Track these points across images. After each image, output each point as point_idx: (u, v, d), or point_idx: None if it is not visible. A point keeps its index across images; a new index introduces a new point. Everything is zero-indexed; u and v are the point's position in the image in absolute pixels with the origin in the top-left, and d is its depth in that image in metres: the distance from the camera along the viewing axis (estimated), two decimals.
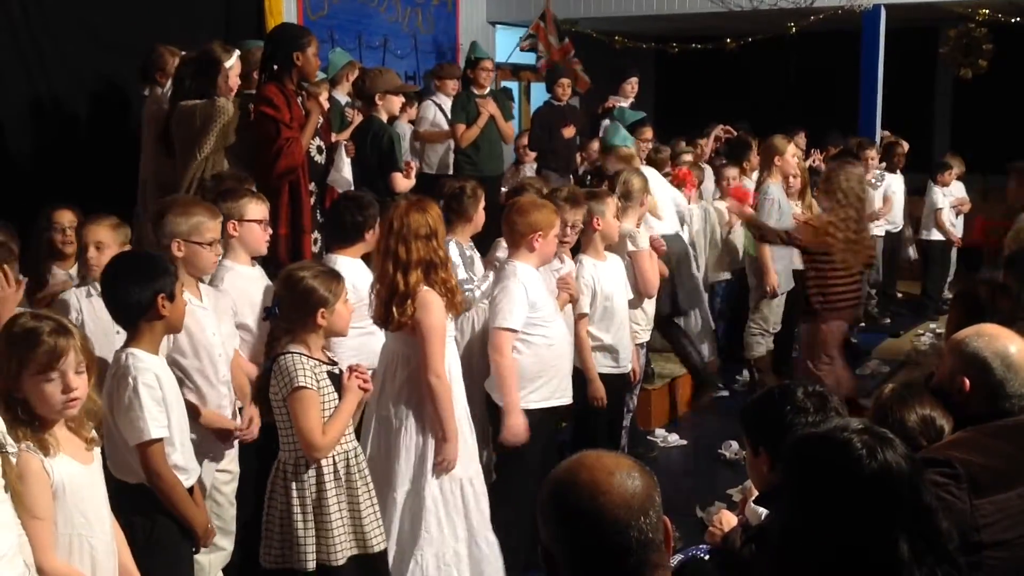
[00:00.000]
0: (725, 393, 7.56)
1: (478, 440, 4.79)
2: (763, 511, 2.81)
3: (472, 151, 8.03)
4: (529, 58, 11.44)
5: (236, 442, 4.16)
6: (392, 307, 3.96)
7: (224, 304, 4.20)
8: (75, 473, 2.86)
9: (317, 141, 5.68)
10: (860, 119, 11.20)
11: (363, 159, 6.41)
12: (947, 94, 14.47)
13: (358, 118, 6.96)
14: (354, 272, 4.59)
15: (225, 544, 4.25)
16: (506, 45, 12.15)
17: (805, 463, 2.19)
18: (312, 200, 5.51)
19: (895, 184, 10.07)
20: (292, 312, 3.65)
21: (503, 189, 7.60)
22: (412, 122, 8.69)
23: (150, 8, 7.54)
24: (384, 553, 3.81)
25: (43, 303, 3.90)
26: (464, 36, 11.61)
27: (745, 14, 11.30)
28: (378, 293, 4.03)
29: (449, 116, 8.24)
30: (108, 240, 4.16)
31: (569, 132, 8.36)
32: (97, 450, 3.01)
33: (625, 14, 11.87)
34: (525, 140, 8.84)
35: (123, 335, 3.50)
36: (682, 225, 7.13)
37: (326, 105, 6.88)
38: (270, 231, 4.62)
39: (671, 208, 6.85)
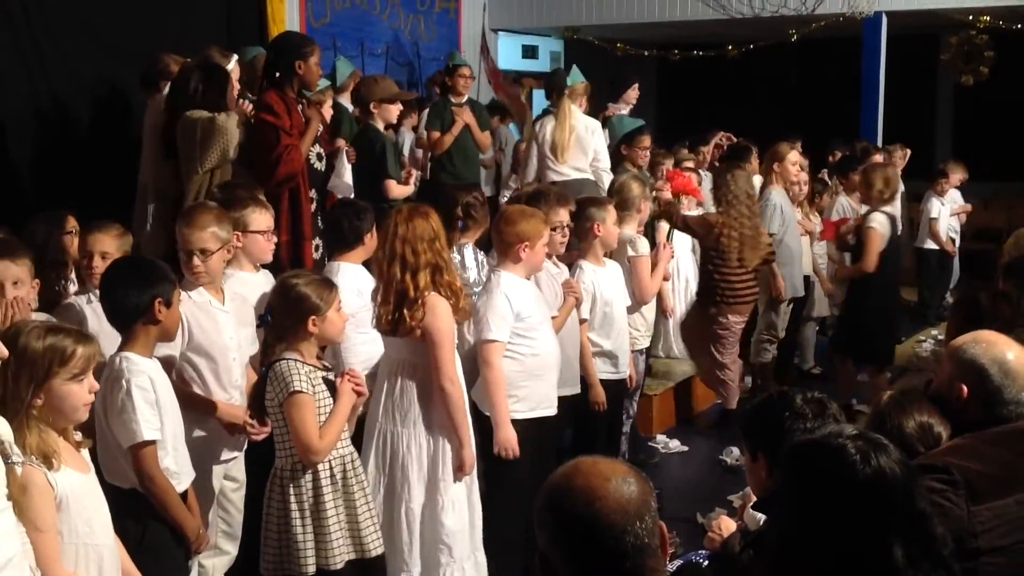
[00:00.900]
0: None
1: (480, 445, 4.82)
2: (761, 517, 2.81)
3: (447, 159, 8.05)
4: (530, 65, 11.46)
5: (242, 451, 4.17)
6: (402, 311, 3.92)
7: (246, 311, 4.21)
8: (77, 484, 2.89)
9: (317, 148, 5.71)
10: (861, 126, 11.22)
11: (361, 166, 6.43)
12: (948, 101, 14.48)
13: None
14: (358, 278, 4.60)
15: (229, 548, 4.27)
16: (507, 52, 12.18)
17: (800, 469, 2.20)
18: (313, 207, 5.54)
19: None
20: (284, 319, 3.66)
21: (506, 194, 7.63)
22: (415, 129, 8.71)
23: (151, 13, 7.57)
24: (382, 558, 3.79)
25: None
26: (466, 43, 11.64)
27: (747, 21, 11.32)
28: (384, 299, 3.99)
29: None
30: (113, 250, 4.15)
31: None
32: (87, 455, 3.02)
33: (627, 21, 11.89)
34: (524, 147, 8.85)
35: None
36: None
37: (328, 113, 6.91)
38: (275, 240, 4.62)
39: None
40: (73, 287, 4.50)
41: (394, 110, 6.66)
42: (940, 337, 8.56)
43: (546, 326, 4.62)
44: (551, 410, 4.67)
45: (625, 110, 8.61)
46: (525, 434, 4.44)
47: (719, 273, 6.58)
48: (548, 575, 2.02)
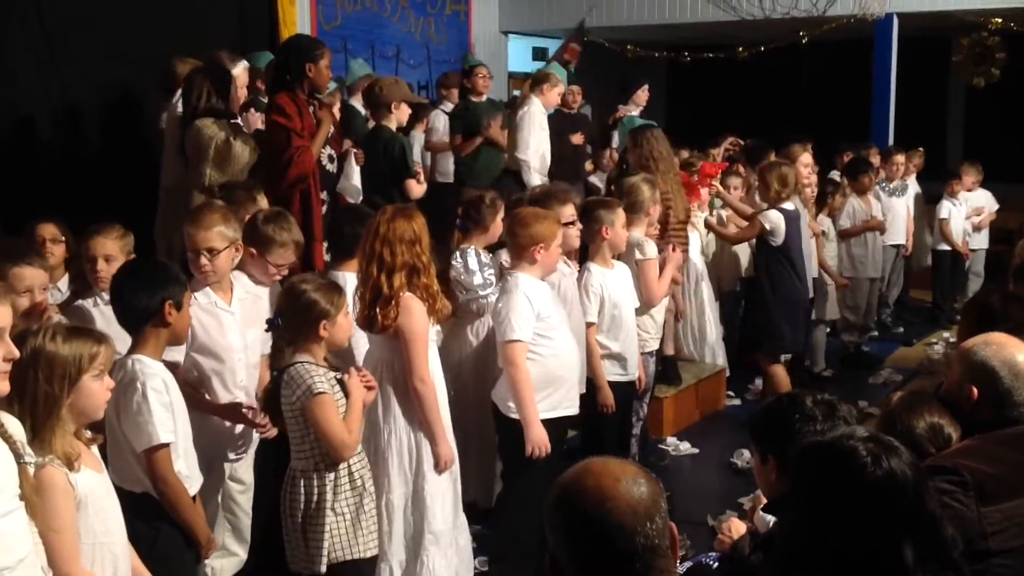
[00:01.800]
0: (737, 401, 7.57)
1: (488, 447, 4.83)
2: (771, 519, 2.82)
3: (470, 160, 8.08)
4: (541, 67, 11.45)
5: (249, 452, 4.19)
6: (376, 309, 4.00)
7: (256, 311, 4.23)
8: (95, 485, 2.92)
9: (328, 150, 5.72)
10: (872, 128, 11.20)
11: (374, 168, 6.43)
12: (960, 103, 14.45)
13: None
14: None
15: (237, 550, 4.29)
16: (518, 54, 12.20)
17: (811, 471, 2.21)
18: (324, 209, 5.55)
19: (912, 192, 10.03)
20: (294, 325, 3.70)
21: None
22: (426, 132, 8.74)
23: (163, 16, 7.62)
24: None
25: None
26: (477, 45, 11.66)
27: (757, 23, 11.32)
28: (361, 296, 4.07)
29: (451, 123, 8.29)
30: (116, 252, 4.19)
31: (578, 139, 8.37)
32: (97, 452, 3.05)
33: (637, 23, 11.90)
34: None
35: None
36: None
37: (338, 115, 6.93)
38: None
39: None
40: (59, 295, 4.50)
41: (406, 112, 6.69)
42: (952, 339, 8.54)
43: (564, 327, 4.66)
44: (572, 409, 4.73)
45: (635, 111, 8.64)
46: (548, 434, 4.49)
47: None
48: (558, 575, 2.03)
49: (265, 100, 6.40)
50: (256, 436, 4.20)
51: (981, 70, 12.11)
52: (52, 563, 2.70)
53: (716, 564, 3.19)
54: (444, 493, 4.25)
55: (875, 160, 9.45)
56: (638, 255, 5.65)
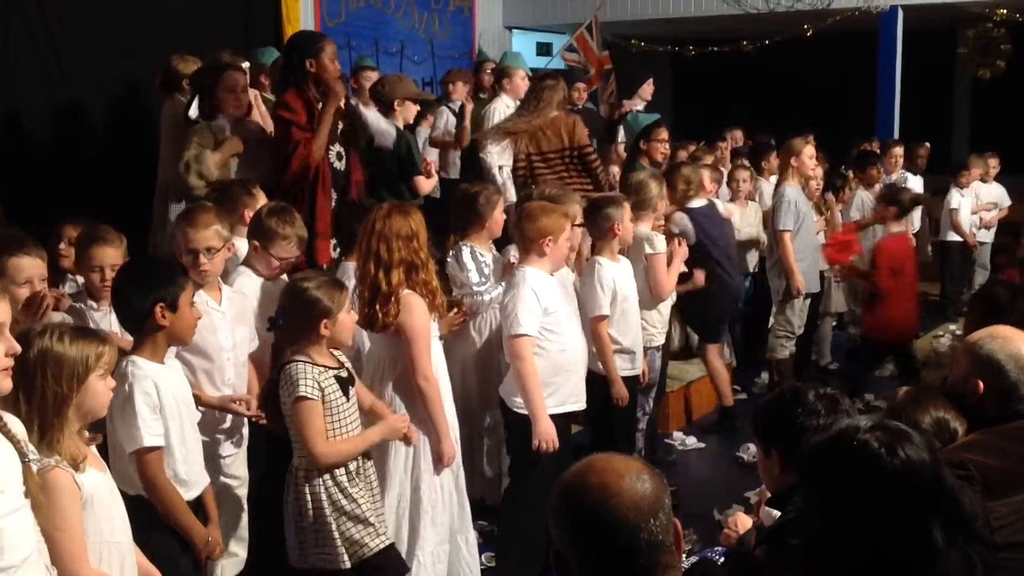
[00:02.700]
0: (743, 396, 7.56)
1: (495, 444, 4.83)
2: (777, 513, 2.81)
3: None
4: (545, 62, 11.44)
5: (241, 448, 4.19)
6: (376, 307, 3.99)
7: (243, 310, 4.24)
8: (100, 484, 2.93)
9: (337, 147, 5.69)
10: (878, 120, 11.19)
11: (382, 166, 6.41)
12: (966, 95, 14.41)
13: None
14: None
15: (238, 550, 4.28)
16: (521, 49, 12.17)
17: (826, 470, 2.20)
18: (332, 205, 5.54)
19: (915, 186, 10.00)
20: (295, 323, 3.69)
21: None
22: (432, 128, 8.71)
23: (168, 15, 7.62)
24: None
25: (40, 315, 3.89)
26: (481, 41, 11.66)
27: (762, 16, 11.30)
28: (360, 294, 4.06)
29: (458, 119, 8.23)
30: (119, 259, 4.14)
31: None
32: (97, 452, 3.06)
33: (641, 17, 11.89)
34: None
35: None
36: None
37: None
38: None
39: None
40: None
41: (413, 109, 6.66)
42: (958, 332, 8.52)
43: (572, 321, 4.66)
44: (580, 404, 4.74)
45: (640, 106, 8.60)
46: (555, 429, 4.49)
47: None
48: (563, 571, 2.03)
49: (271, 96, 6.41)
50: (246, 431, 4.20)
51: (987, 62, 12.08)
52: (60, 563, 2.70)
53: (722, 559, 3.19)
54: (444, 491, 4.24)
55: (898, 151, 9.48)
56: (648, 249, 5.64)
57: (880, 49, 11.19)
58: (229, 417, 4.15)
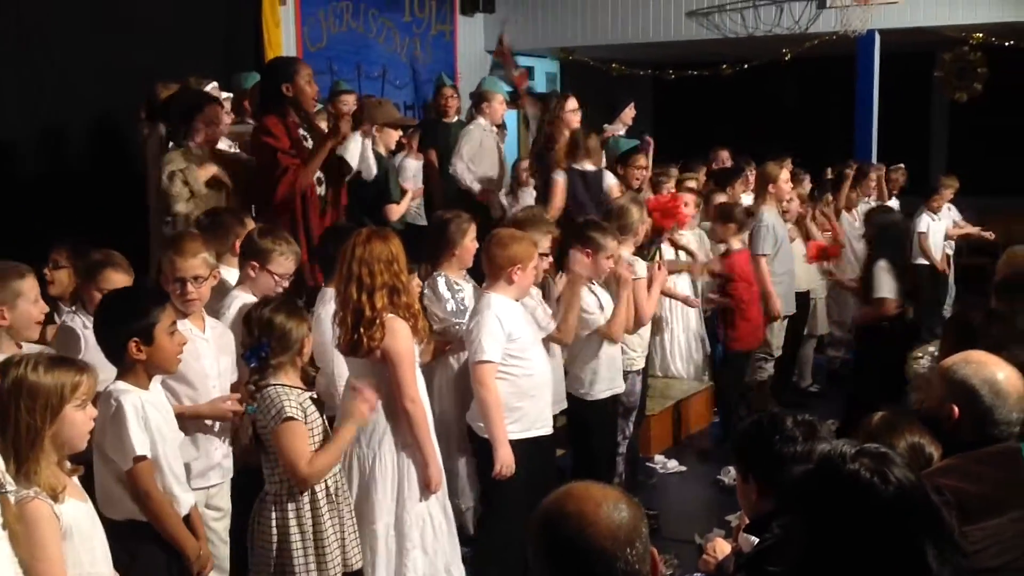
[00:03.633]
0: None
1: (468, 472, 4.82)
2: (755, 539, 2.83)
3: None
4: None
5: (228, 478, 4.17)
6: (360, 332, 3.98)
7: (227, 339, 4.23)
8: (79, 514, 2.92)
9: (319, 173, 5.71)
10: (856, 143, 11.27)
11: (362, 190, 6.41)
12: (943, 118, 14.54)
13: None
14: None
15: None
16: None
17: (815, 500, 2.22)
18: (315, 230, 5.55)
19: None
20: (280, 353, 3.71)
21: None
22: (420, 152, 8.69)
23: (150, 40, 7.62)
24: (361, 572, 3.90)
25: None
26: (462, 65, 11.70)
27: (741, 40, 11.40)
28: (342, 320, 4.04)
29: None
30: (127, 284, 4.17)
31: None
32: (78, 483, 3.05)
33: (622, 42, 11.96)
34: (525, 164, 8.83)
35: None
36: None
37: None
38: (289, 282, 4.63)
39: None
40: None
41: (394, 135, 6.66)
42: (936, 353, 8.55)
43: (537, 346, 4.67)
44: (546, 429, 4.73)
45: (622, 131, 8.64)
46: (522, 454, 4.49)
47: None
48: None
49: (251, 121, 6.42)
50: (231, 463, 4.18)
51: (964, 85, 12.17)
52: None
53: None
54: (433, 519, 4.21)
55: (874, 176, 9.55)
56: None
57: (858, 72, 11.29)
58: (216, 447, 4.11)
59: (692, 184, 8.33)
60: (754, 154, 9.25)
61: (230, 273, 4.60)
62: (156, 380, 3.57)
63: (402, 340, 4.03)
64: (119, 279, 4.13)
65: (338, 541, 3.73)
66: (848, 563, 2.13)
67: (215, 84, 6.18)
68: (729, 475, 6.33)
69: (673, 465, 6.79)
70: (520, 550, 4.26)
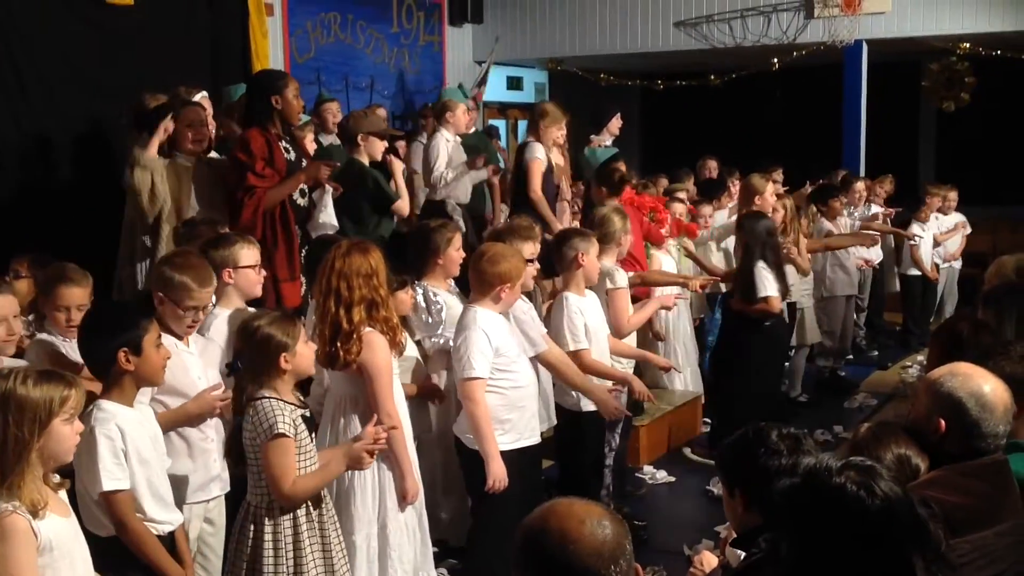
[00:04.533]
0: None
1: (455, 486, 4.80)
2: (741, 553, 2.81)
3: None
4: (515, 96, 11.53)
5: (224, 491, 4.14)
6: (337, 345, 3.96)
7: (211, 352, 4.19)
8: (60, 529, 2.89)
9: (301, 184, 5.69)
10: (844, 153, 11.31)
11: (350, 202, 6.35)
12: (931, 127, 14.60)
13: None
14: None
15: None
16: (492, 84, 12.26)
17: (802, 515, 2.22)
18: (295, 247, 5.53)
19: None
20: (255, 362, 3.66)
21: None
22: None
23: (137, 52, 7.61)
24: None
25: None
26: (451, 76, 11.71)
27: (729, 50, 11.44)
28: (320, 333, 4.02)
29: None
30: (86, 299, 4.13)
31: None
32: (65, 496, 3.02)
33: (610, 52, 11.99)
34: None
35: None
36: None
37: (312, 147, 6.91)
38: (264, 273, 4.62)
39: None
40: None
41: (380, 145, 6.63)
42: (925, 363, 8.56)
43: (523, 358, 4.66)
44: (535, 439, 4.72)
45: (609, 141, 8.64)
46: (513, 465, 4.48)
47: None
48: None
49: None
50: (227, 476, 4.15)
51: (951, 94, 12.24)
52: None
53: None
54: (409, 529, 4.22)
55: (860, 186, 9.57)
56: (608, 284, 5.65)
57: (845, 82, 11.33)
58: (216, 458, 4.06)
59: (682, 195, 8.34)
60: (742, 164, 9.28)
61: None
62: (143, 396, 3.54)
63: (379, 354, 4.02)
64: (75, 293, 4.09)
65: (317, 561, 3.67)
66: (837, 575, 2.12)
67: (204, 93, 6.16)
68: (718, 485, 6.29)
69: (662, 476, 6.77)
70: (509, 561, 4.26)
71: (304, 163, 5.76)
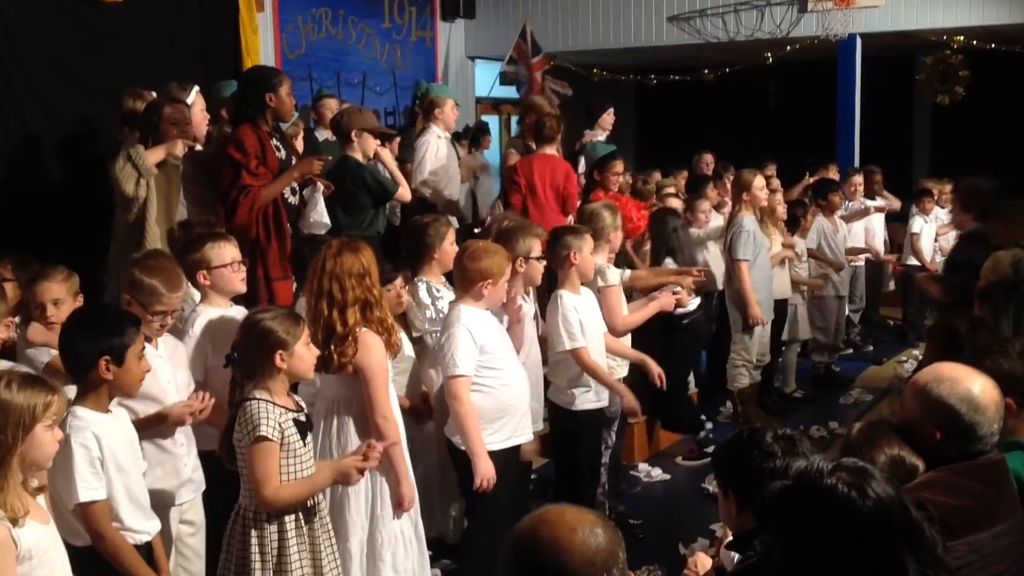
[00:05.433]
0: (709, 425, 7.53)
1: (450, 485, 4.76)
2: (735, 555, 2.78)
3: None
4: (508, 92, 11.47)
5: (199, 492, 4.09)
6: (331, 348, 3.89)
7: (180, 354, 4.12)
8: (41, 537, 2.85)
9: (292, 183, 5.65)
10: (838, 147, 11.28)
11: (346, 199, 6.31)
12: (925, 120, 14.58)
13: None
14: None
15: None
16: (485, 79, 12.21)
17: (794, 517, 2.20)
18: (287, 245, 5.48)
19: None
20: (250, 356, 3.57)
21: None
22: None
23: (126, 50, 7.55)
24: None
25: None
26: (443, 71, 11.66)
27: (723, 45, 11.40)
28: (313, 335, 3.88)
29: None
30: (63, 294, 4.09)
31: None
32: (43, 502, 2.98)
33: (604, 47, 11.95)
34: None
35: None
36: None
37: (301, 144, 6.86)
38: (244, 268, 4.48)
39: None
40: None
41: (373, 142, 6.59)
42: (921, 357, 8.54)
43: (511, 355, 4.61)
44: (526, 437, 4.68)
45: (601, 136, 8.61)
46: (504, 464, 4.44)
47: None
48: None
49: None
50: (202, 476, 4.10)
51: (945, 88, 12.20)
52: None
53: None
54: (404, 536, 4.16)
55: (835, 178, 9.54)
56: (600, 282, 5.59)
57: (839, 76, 11.30)
58: (187, 462, 4.02)
59: (671, 191, 8.31)
60: (736, 159, 9.24)
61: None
62: (117, 401, 3.48)
63: (375, 355, 3.96)
64: (50, 288, 4.05)
65: (305, 571, 3.59)
66: None
67: (197, 89, 6.10)
68: (714, 483, 6.28)
69: (657, 473, 6.74)
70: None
71: (294, 160, 5.71)
